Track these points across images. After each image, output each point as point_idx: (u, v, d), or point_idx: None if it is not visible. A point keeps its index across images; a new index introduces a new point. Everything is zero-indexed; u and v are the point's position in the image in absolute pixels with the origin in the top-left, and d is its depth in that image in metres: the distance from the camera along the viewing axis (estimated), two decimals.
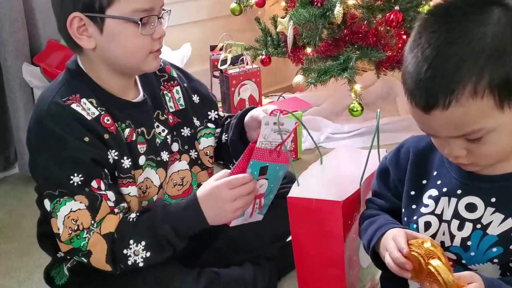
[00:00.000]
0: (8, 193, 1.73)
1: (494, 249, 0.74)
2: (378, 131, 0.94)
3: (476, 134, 0.69)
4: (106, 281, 0.99)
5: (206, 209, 0.94)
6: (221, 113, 1.19)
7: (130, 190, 0.99)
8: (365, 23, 1.94)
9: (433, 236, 0.78)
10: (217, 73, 1.84)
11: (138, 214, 0.96)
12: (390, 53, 2.00)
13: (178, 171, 1.09)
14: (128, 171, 0.98)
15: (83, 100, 0.95)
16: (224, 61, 1.77)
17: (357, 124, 2.12)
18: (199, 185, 1.11)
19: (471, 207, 0.77)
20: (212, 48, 1.97)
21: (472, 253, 0.76)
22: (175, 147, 1.08)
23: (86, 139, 0.92)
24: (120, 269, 0.94)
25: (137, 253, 0.93)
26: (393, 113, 2.25)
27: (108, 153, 0.95)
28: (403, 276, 0.74)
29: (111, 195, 0.94)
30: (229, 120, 1.15)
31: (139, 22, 0.91)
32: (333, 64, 1.91)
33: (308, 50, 2.03)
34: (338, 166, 1.03)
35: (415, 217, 0.81)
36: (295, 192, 0.93)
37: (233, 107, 1.73)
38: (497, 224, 0.74)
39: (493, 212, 0.75)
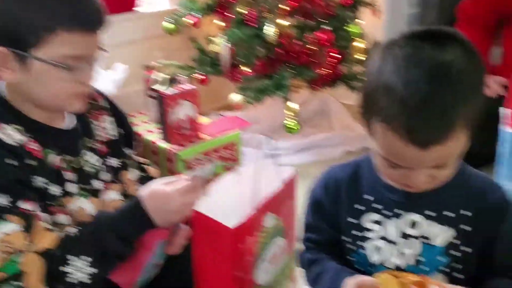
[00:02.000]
0: None
1: (442, 258, 0.78)
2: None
3: (448, 161, 0.71)
4: None
5: (151, 214, 0.91)
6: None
7: (61, 219, 0.94)
8: (298, 42, 2.00)
9: (385, 259, 0.81)
10: (152, 93, 1.81)
11: (79, 228, 0.92)
12: (321, 71, 2.07)
13: (111, 201, 1.06)
14: (57, 198, 0.94)
15: (5, 126, 0.90)
16: (159, 81, 1.75)
17: (294, 140, 2.17)
18: None
19: (413, 224, 0.80)
20: (147, 68, 1.94)
21: (425, 268, 0.79)
22: (107, 176, 1.06)
23: (8, 161, 0.87)
24: None
25: (80, 269, 0.87)
26: (328, 129, 2.32)
27: (33, 179, 0.91)
28: None
29: (44, 216, 0.89)
30: None
31: (66, 68, 0.88)
32: (269, 83, 1.95)
33: (245, 69, 2.06)
34: (250, 181, 1.04)
35: (361, 243, 0.83)
36: (199, 205, 0.93)
37: (169, 127, 1.71)
38: (441, 236, 0.78)
39: (434, 225, 0.79)
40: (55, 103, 0.94)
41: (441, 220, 0.79)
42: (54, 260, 0.86)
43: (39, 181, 0.91)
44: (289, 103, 1.92)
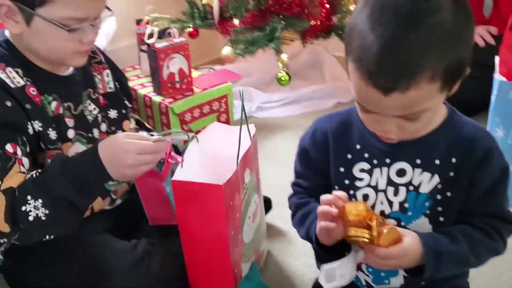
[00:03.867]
0: None
1: (426, 203, 0.82)
2: (244, 109, 0.97)
3: (416, 114, 0.72)
4: (40, 261, 0.98)
5: (106, 164, 0.91)
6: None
7: None
8: None
9: (372, 207, 0.84)
10: (144, 47, 1.81)
11: (40, 170, 0.93)
12: (313, 22, 2.06)
13: None
14: (54, 142, 0.97)
15: (9, 69, 0.93)
16: (150, 35, 1.75)
17: (285, 93, 2.19)
18: None
19: (401, 172, 0.82)
20: (138, 22, 1.93)
21: (410, 213, 0.83)
22: (103, 127, 1.09)
23: (8, 103, 0.90)
24: (21, 230, 0.89)
25: (37, 208, 0.89)
26: (320, 81, 2.34)
27: (30, 124, 0.94)
28: (328, 227, 0.78)
29: (26, 161, 0.92)
30: None
31: (67, 30, 0.89)
32: (260, 35, 1.95)
33: (235, 21, 2.05)
34: (213, 144, 1.05)
35: (351, 191, 0.85)
36: (179, 175, 0.94)
37: (162, 80, 1.73)
38: (426, 182, 0.81)
39: (421, 173, 0.81)
40: (54, 57, 0.96)
41: (427, 167, 0.81)
42: (15, 199, 0.88)
43: (37, 125, 0.94)
44: (280, 55, 1.93)
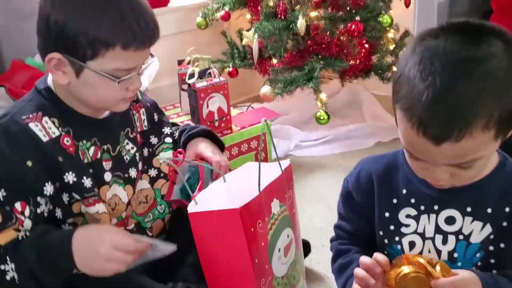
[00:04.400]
0: None
1: (478, 254, 0.78)
2: (272, 141, 0.99)
3: (470, 163, 0.69)
4: None
5: (77, 250, 0.86)
6: (173, 128, 1.21)
7: (98, 208, 0.99)
8: (327, 33, 2.00)
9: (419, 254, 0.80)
10: (185, 87, 1.86)
11: (28, 234, 0.90)
12: (353, 62, 2.06)
13: (141, 189, 1.11)
14: (90, 190, 0.97)
15: (45, 118, 0.94)
16: (191, 75, 1.79)
17: (324, 131, 2.17)
18: (162, 196, 1.12)
19: (450, 220, 0.78)
20: (180, 62, 1.98)
21: (459, 263, 0.79)
22: (140, 166, 1.10)
23: (29, 163, 0.90)
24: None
25: (13, 270, 0.87)
26: (359, 120, 2.32)
27: (64, 176, 0.93)
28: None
29: (27, 223, 0.90)
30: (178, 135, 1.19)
31: (117, 82, 0.91)
32: (299, 74, 1.96)
33: (274, 61, 2.07)
34: (242, 181, 1.02)
35: (397, 238, 0.82)
36: (194, 208, 0.91)
37: (202, 119, 1.75)
38: (477, 232, 0.77)
39: (472, 221, 0.77)
40: (102, 105, 0.99)
41: (478, 216, 0.77)
42: None
43: (71, 176, 0.95)
44: (319, 94, 1.93)
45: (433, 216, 0.80)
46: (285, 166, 1.07)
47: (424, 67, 0.66)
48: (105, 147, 1.02)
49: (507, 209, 0.76)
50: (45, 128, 0.94)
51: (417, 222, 0.81)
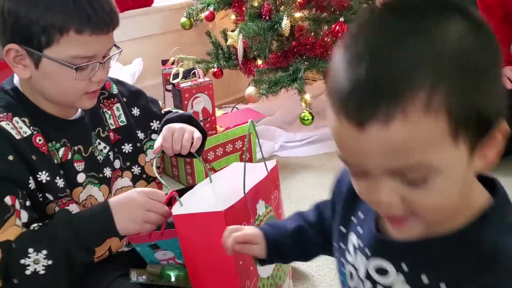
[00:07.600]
0: None
1: None
2: (258, 140, 0.98)
3: (419, 173, 0.48)
4: None
5: (116, 212, 0.91)
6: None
7: (72, 209, 0.97)
8: (312, 34, 2.01)
9: None
10: (169, 87, 1.85)
11: (42, 223, 0.92)
12: None
13: (122, 188, 1.09)
14: (63, 190, 0.96)
15: (16, 118, 0.93)
16: (176, 75, 1.79)
17: (309, 132, 2.18)
18: None
19: (381, 272, 0.59)
20: (164, 62, 1.98)
21: None
22: (117, 164, 1.08)
23: (10, 157, 0.89)
24: (13, 284, 0.87)
25: (37, 261, 0.87)
26: None
27: (35, 176, 0.92)
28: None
29: (24, 215, 0.90)
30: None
31: (75, 70, 0.90)
32: (283, 75, 1.97)
33: (259, 62, 2.08)
34: (228, 181, 1.03)
35: (343, 261, 0.68)
36: (178, 210, 0.92)
37: None
38: None
39: (404, 283, 0.57)
40: (65, 99, 0.96)
41: (414, 281, 0.55)
42: (12, 252, 0.87)
43: (44, 175, 0.93)
44: (303, 95, 1.94)
45: (364, 260, 0.62)
46: (271, 166, 1.07)
47: (348, 39, 0.51)
48: (75, 148, 1.00)
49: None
50: (16, 128, 0.92)
51: (355, 257, 0.64)
